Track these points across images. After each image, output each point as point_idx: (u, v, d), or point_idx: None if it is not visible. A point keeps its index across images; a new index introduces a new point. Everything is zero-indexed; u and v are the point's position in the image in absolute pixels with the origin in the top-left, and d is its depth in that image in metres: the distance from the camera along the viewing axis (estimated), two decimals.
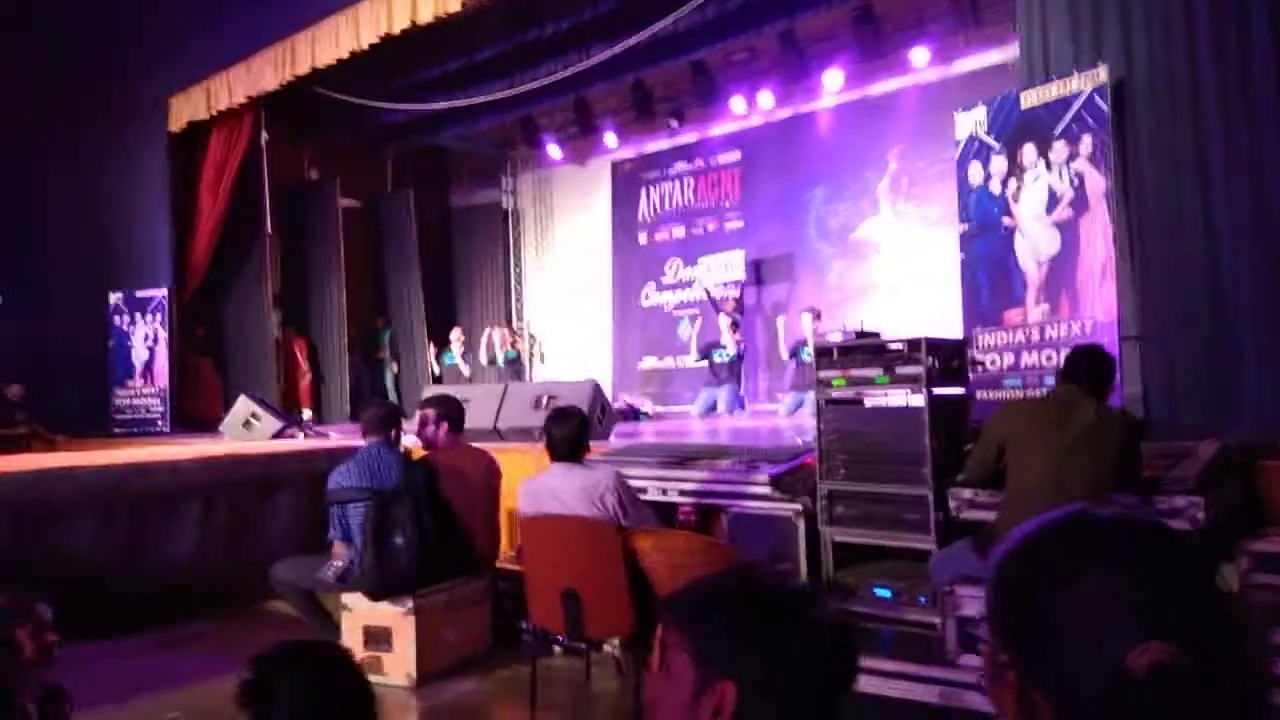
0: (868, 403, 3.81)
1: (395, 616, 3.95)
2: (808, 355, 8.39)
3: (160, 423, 9.35)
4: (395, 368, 11.46)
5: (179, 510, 5.13)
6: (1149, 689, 0.71)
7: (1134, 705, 0.73)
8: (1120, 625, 0.74)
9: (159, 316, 9.51)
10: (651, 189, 11.72)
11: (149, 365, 9.56)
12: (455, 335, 10.70)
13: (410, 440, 4.85)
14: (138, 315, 9.59)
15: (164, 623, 4.75)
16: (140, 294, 9.61)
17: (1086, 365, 3.21)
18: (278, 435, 7.45)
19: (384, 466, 4.05)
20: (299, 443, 7.04)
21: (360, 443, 4.34)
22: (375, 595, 3.92)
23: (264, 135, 9.58)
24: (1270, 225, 3.91)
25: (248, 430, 7.54)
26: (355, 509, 3.97)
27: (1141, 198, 4.37)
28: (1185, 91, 4.15)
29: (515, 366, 10.77)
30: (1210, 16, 4.05)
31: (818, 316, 8.55)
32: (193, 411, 9.69)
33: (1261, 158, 3.92)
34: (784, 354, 8.90)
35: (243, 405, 7.74)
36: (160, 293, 9.52)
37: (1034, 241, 4.78)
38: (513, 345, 11.05)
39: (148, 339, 9.55)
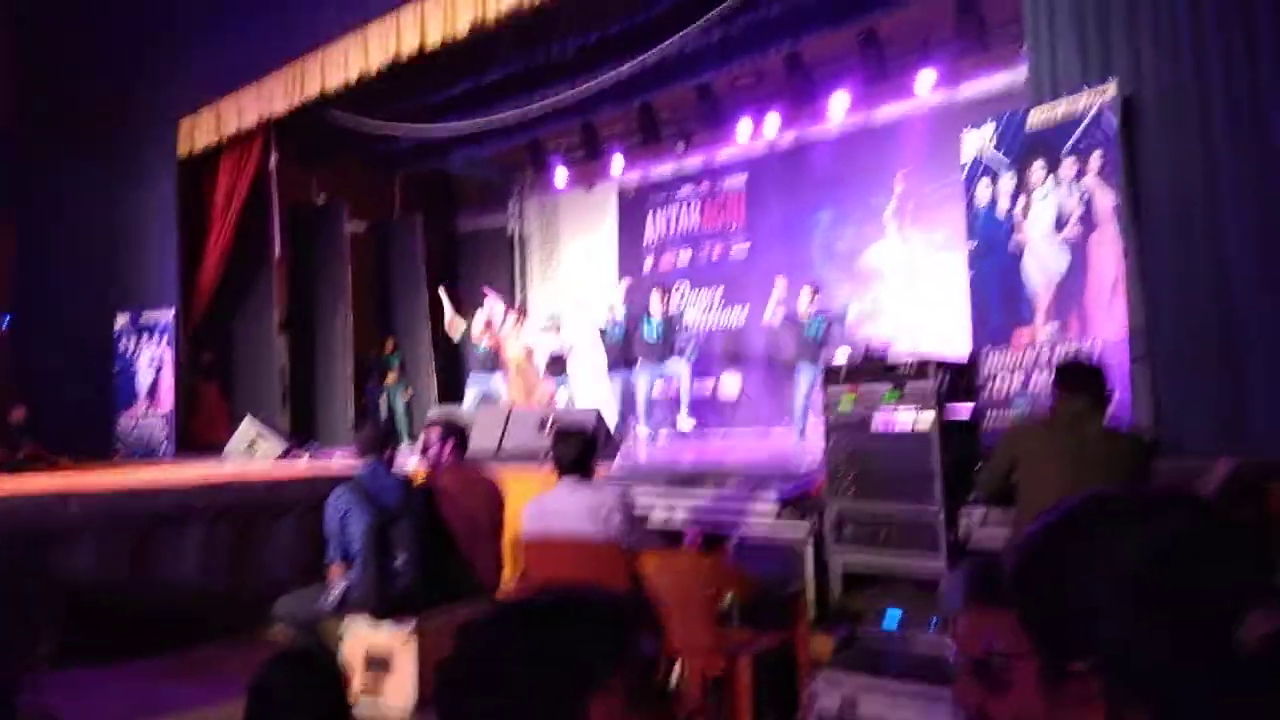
0: (876, 422, 3.76)
1: (396, 640, 3.87)
2: (810, 331, 8.15)
3: (165, 446, 9.31)
4: (408, 392, 11.41)
5: (181, 534, 5.08)
6: (1263, 663, 0.67)
7: (1248, 682, 0.68)
8: (1214, 571, 0.71)
9: (165, 339, 9.50)
10: (658, 213, 11.72)
11: (154, 388, 9.54)
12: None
13: (413, 463, 4.80)
14: (144, 338, 9.59)
15: (166, 648, 4.68)
16: (147, 315, 9.61)
17: (1085, 379, 3.15)
18: (282, 457, 7.42)
19: (382, 487, 4.00)
20: (302, 467, 7.00)
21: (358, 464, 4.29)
22: (377, 614, 3.85)
23: (273, 158, 9.61)
24: (1278, 242, 3.86)
25: (251, 453, 7.51)
26: (354, 530, 3.91)
27: (1150, 215, 4.33)
28: (1194, 107, 4.12)
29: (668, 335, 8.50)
30: (1218, 31, 4.04)
31: (816, 290, 8.37)
32: (198, 435, 9.65)
33: (1269, 173, 3.89)
34: (774, 317, 8.34)
35: (247, 428, 7.71)
36: (167, 315, 9.51)
37: (1042, 260, 4.74)
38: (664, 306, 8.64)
39: (153, 362, 9.54)
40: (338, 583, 3.97)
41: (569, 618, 0.97)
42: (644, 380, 8.60)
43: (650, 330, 8.48)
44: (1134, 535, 0.74)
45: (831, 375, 3.98)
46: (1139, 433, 3.39)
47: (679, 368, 8.54)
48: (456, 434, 4.53)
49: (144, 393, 9.56)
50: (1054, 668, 0.77)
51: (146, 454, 9.22)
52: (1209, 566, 0.71)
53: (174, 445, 9.28)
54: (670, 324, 8.61)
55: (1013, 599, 0.82)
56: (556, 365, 9.53)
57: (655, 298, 8.62)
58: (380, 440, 4.27)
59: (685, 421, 8.40)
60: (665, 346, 8.49)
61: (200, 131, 9.44)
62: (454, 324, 9.66)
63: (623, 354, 8.85)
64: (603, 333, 9.08)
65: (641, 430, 8.63)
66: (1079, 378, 3.16)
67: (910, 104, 9.55)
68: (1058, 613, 0.76)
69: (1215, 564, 0.71)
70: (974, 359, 4.43)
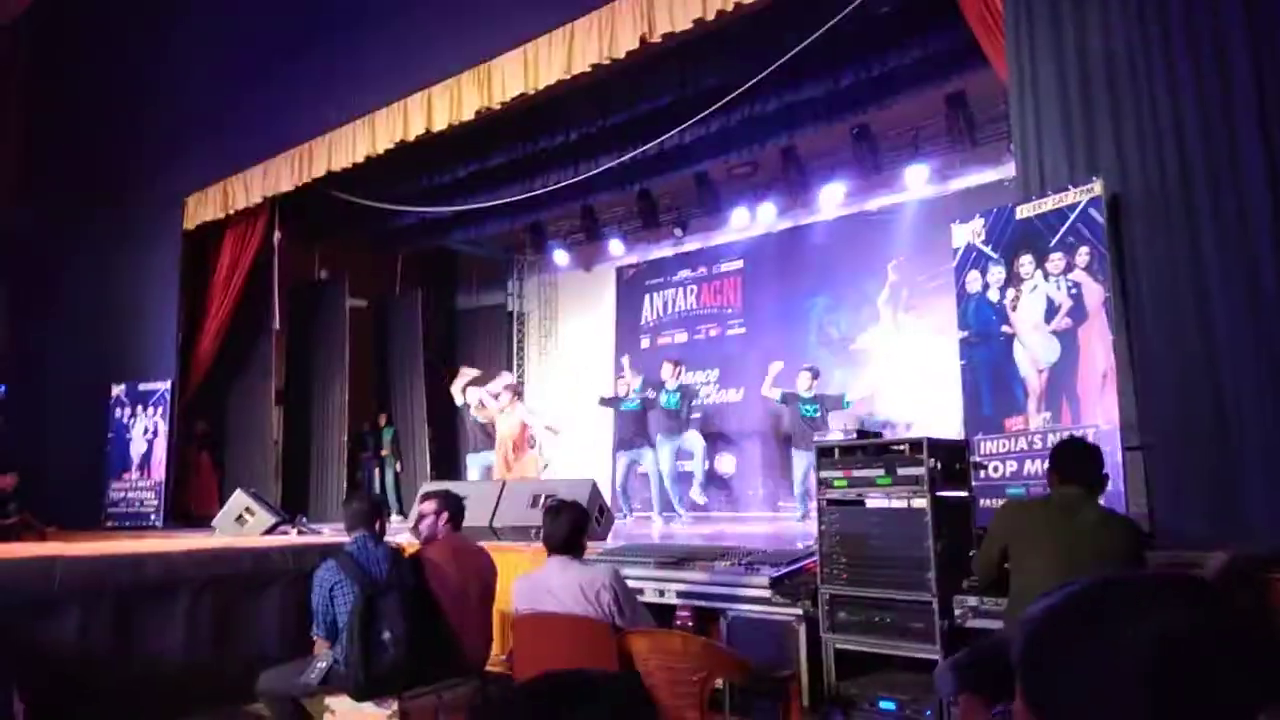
0: (869, 504, 3.77)
1: (379, 719, 3.80)
2: (807, 410, 8.32)
3: (154, 517, 9.23)
4: (399, 466, 11.38)
5: (166, 604, 5.01)
6: None
7: None
8: (1218, 676, 0.69)
9: (160, 410, 9.50)
10: (655, 294, 11.89)
11: (146, 458, 9.50)
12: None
13: (404, 538, 4.77)
14: (139, 408, 9.59)
15: (152, 718, 4.57)
16: (143, 387, 9.62)
17: (1079, 462, 3.14)
18: (270, 531, 7.35)
19: (372, 560, 3.97)
20: (291, 539, 6.93)
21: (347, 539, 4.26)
22: (360, 694, 3.78)
23: (277, 235, 9.78)
24: (1268, 332, 3.94)
25: (240, 525, 7.44)
26: (342, 603, 3.87)
27: (1139, 308, 4.42)
28: (1179, 203, 4.24)
29: (684, 406, 8.90)
30: (1200, 129, 4.18)
31: (815, 376, 8.54)
32: (189, 506, 9.59)
33: (1256, 264, 3.98)
34: (773, 395, 8.61)
35: (237, 500, 7.67)
36: (163, 386, 9.53)
37: (1033, 350, 4.80)
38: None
39: (147, 432, 9.52)
40: (323, 657, 3.90)
41: (588, 700, 0.97)
42: (665, 455, 8.73)
43: (669, 399, 8.61)
44: (1147, 623, 0.72)
45: (825, 455, 4.00)
46: (1132, 520, 3.39)
47: (696, 441, 8.69)
48: (452, 506, 4.50)
49: (136, 462, 9.52)
50: None
51: (136, 524, 9.13)
52: (1222, 660, 0.70)
53: (164, 516, 9.20)
54: (685, 393, 8.81)
55: (1019, 678, 0.80)
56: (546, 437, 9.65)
57: (667, 369, 8.79)
58: (370, 513, 4.25)
59: (699, 495, 8.49)
60: (684, 417, 8.70)
61: (206, 208, 9.61)
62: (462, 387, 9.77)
63: (637, 427, 8.91)
64: (616, 400, 9.15)
65: (655, 516, 8.70)
66: (1073, 461, 3.16)
67: (902, 195, 9.81)
68: (1064, 696, 0.75)
69: (1228, 658, 0.70)
70: (966, 443, 4.45)
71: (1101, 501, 3.25)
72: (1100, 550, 2.93)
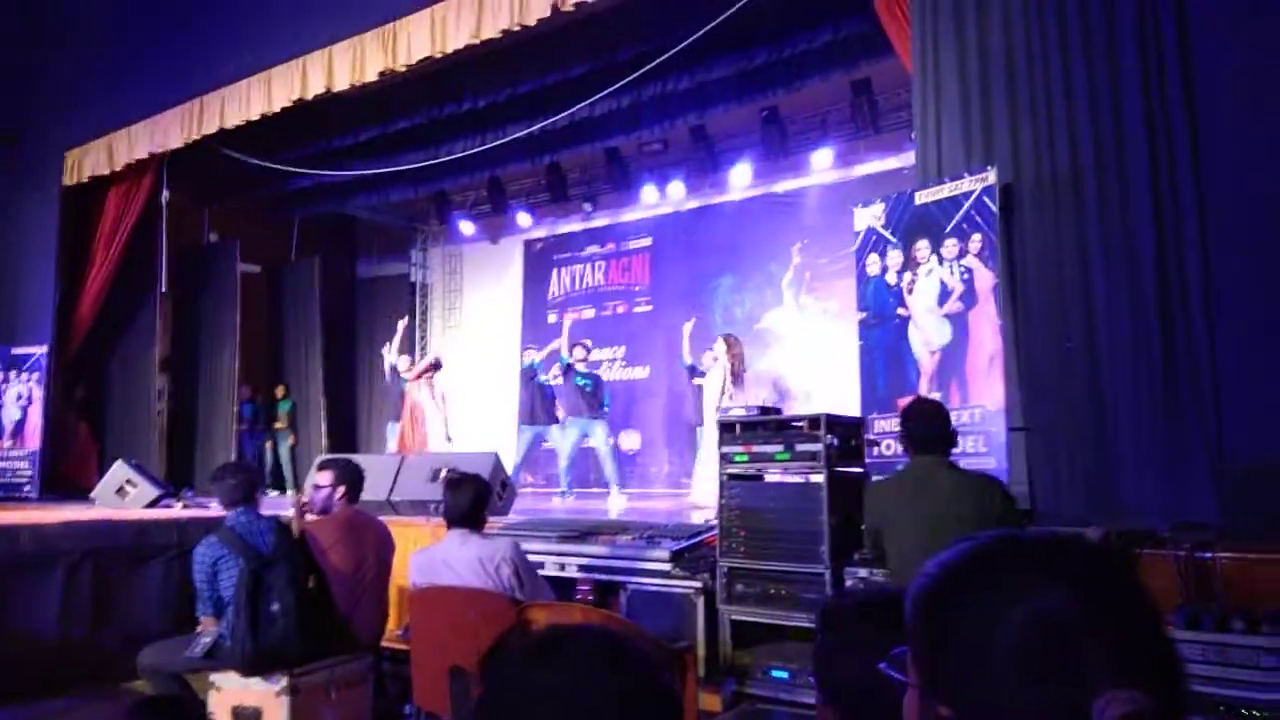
0: (768, 479, 3.84)
1: (268, 696, 3.69)
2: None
3: (28, 488, 8.73)
4: (293, 439, 11.04)
5: (41, 578, 4.76)
6: None
7: None
8: (1078, 660, 0.69)
9: (36, 375, 8.96)
10: (562, 269, 11.82)
11: (20, 426, 8.96)
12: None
13: (289, 512, 4.60)
14: (12, 373, 9.04)
15: (21, 699, 4.35)
16: (16, 351, 9.06)
17: (927, 428, 3.15)
18: (153, 505, 7.05)
19: (256, 533, 3.84)
20: (175, 512, 6.67)
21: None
22: (249, 669, 3.67)
23: (165, 193, 9.31)
24: (1144, 323, 4.16)
25: (121, 498, 7.11)
26: (226, 578, 3.73)
27: (1027, 293, 4.61)
28: (1067, 194, 4.43)
29: (590, 389, 8.82)
30: (1090, 124, 4.37)
31: (730, 347, 8.60)
32: (66, 477, 9.09)
33: (1136, 259, 4.19)
34: (686, 358, 8.53)
35: (118, 471, 7.32)
36: (39, 350, 8.99)
37: (926, 332, 4.97)
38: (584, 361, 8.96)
39: (21, 399, 8.98)
40: (208, 632, 3.77)
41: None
42: (572, 435, 8.73)
43: (580, 380, 8.59)
44: (1024, 601, 0.72)
45: (728, 431, 4.06)
46: (994, 476, 3.47)
47: (600, 434, 8.67)
48: (350, 477, 4.38)
49: (9, 430, 8.98)
50: (929, 708, 0.77)
51: (9, 495, 8.63)
52: (1090, 644, 0.70)
53: (39, 487, 8.71)
54: (596, 378, 8.80)
55: (913, 647, 0.81)
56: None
57: (578, 352, 8.75)
58: (249, 486, 4.08)
59: (617, 498, 8.41)
60: (595, 399, 8.68)
61: (89, 162, 9.06)
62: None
63: (545, 403, 8.88)
64: (531, 373, 9.08)
65: (560, 494, 8.67)
66: (922, 429, 3.15)
67: (808, 178, 9.99)
68: (950, 661, 0.75)
69: (1097, 642, 0.70)
70: (863, 420, 4.57)
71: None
72: (962, 515, 2.97)
